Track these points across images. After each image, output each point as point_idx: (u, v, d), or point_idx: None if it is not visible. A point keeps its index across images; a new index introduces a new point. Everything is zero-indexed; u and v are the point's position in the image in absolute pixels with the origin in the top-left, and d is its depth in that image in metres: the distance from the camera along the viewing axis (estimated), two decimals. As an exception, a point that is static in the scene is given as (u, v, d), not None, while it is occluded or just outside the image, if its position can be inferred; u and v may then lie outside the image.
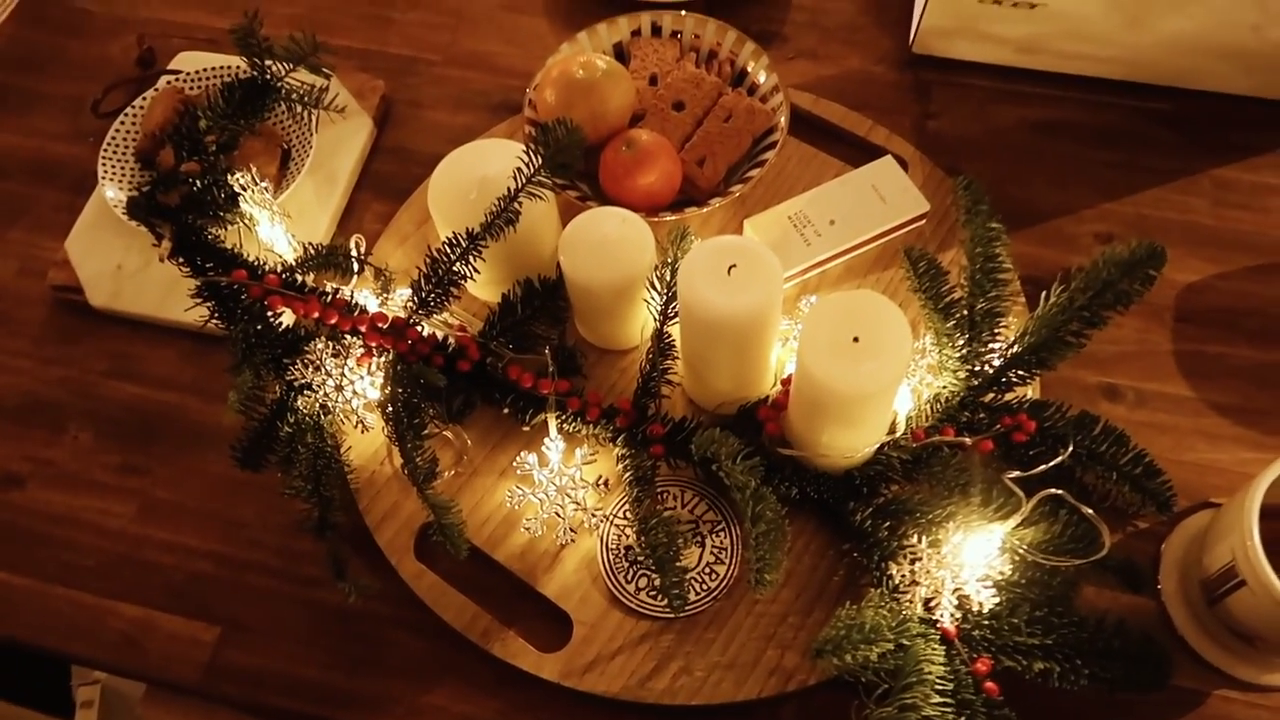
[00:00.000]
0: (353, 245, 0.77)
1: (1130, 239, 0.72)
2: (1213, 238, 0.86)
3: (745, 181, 0.82)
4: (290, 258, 0.76)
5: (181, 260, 0.76)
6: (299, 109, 0.75)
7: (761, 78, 0.87)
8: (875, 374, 0.63)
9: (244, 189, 0.76)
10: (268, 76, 0.75)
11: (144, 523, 0.80)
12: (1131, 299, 0.72)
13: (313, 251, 0.74)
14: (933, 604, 0.65)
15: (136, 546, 0.79)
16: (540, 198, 0.72)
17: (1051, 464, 0.69)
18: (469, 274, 0.73)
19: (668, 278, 0.74)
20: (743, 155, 0.85)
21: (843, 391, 0.64)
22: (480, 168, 0.74)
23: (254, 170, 0.76)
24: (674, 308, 0.74)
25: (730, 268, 0.66)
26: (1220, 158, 0.90)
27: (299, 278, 0.74)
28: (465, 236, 0.72)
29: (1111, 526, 0.68)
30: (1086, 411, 0.74)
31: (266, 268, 0.74)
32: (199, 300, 0.74)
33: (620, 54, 0.90)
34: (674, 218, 0.80)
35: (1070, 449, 0.70)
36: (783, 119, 0.84)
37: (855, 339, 0.64)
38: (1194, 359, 0.81)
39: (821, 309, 0.65)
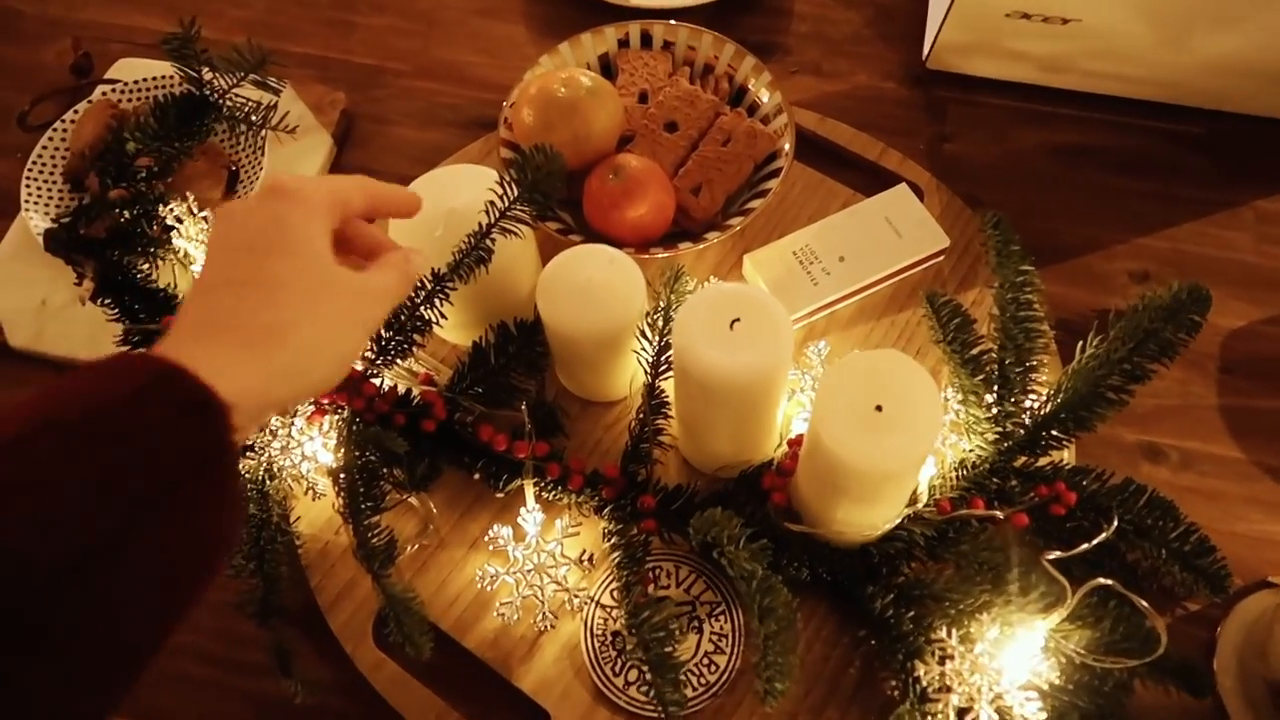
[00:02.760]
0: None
1: (1169, 279, 0.65)
2: (1258, 277, 0.79)
3: (745, 214, 0.73)
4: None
5: (107, 302, 0.66)
6: (244, 129, 0.66)
7: (764, 96, 0.78)
8: (901, 450, 0.54)
9: (180, 221, 0.66)
10: (207, 92, 0.66)
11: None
12: (1176, 349, 0.65)
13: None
14: (968, 716, 0.56)
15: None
16: (516, 234, 0.63)
17: (1095, 542, 0.61)
18: (435, 319, 0.64)
19: (660, 325, 0.65)
20: (742, 183, 0.76)
21: (863, 469, 0.55)
22: (448, 198, 0.65)
23: (192, 199, 0.67)
24: (667, 359, 0.65)
25: (733, 322, 0.58)
26: (1263, 188, 0.82)
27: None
28: (431, 278, 0.63)
29: (1159, 609, 0.61)
30: (1130, 479, 0.65)
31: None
32: (126, 348, 0.65)
33: (607, 68, 0.81)
34: (666, 254, 0.71)
35: (1115, 524, 0.62)
36: (787, 144, 0.75)
37: (878, 408, 0.55)
38: (1242, 415, 0.73)
39: (839, 374, 0.56)
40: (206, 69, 0.64)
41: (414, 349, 0.65)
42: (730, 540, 0.56)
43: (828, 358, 0.70)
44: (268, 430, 0.63)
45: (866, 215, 0.76)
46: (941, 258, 0.77)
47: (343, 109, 0.86)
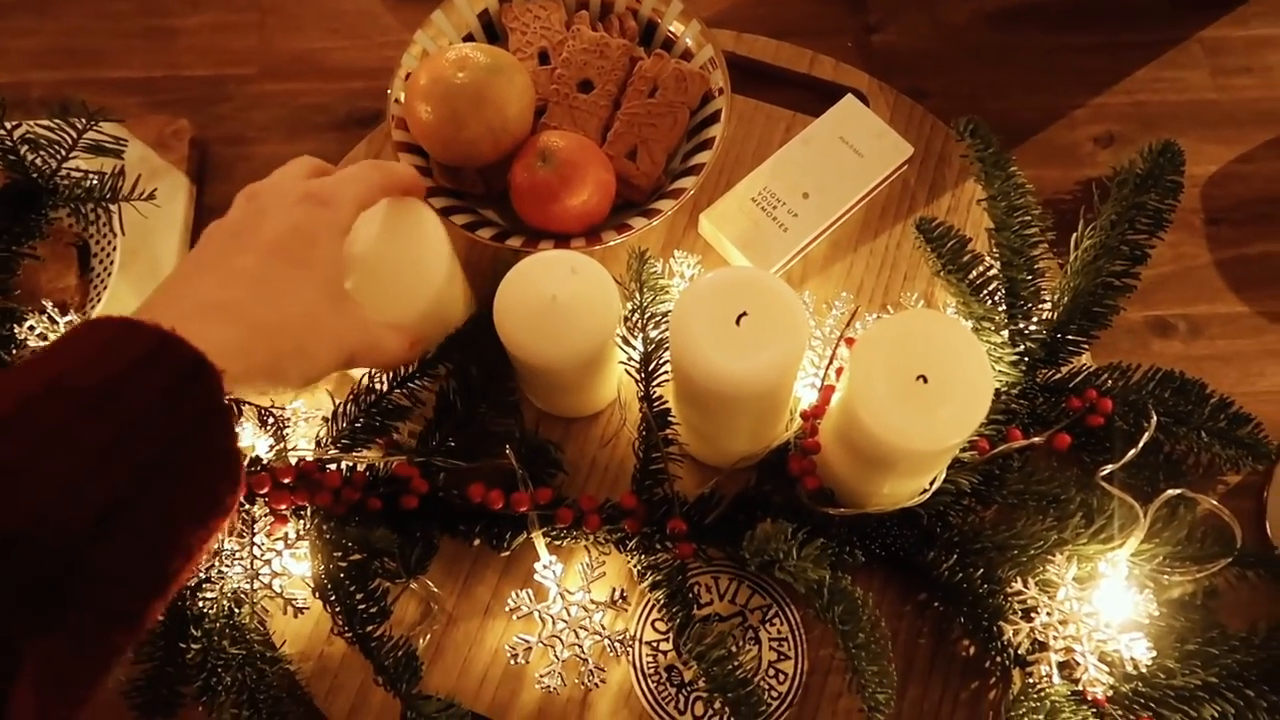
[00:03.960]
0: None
1: (1135, 139, 0.62)
2: (1221, 115, 0.75)
3: (695, 171, 0.64)
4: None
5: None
6: (89, 211, 0.53)
7: (678, 28, 0.69)
8: (956, 421, 0.48)
9: (44, 338, 0.54)
10: (35, 177, 0.53)
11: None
12: (1165, 216, 0.61)
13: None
14: (1073, 670, 0.53)
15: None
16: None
17: (1141, 444, 0.58)
18: (412, 404, 0.55)
19: (643, 324, 0.57)
20: (680, 135, 0.67)
21: (918, 448, 0.49)
22: (350, 241, 0.53)
23: (49, 306, 0.55)
24: (659, 361, 0.57)
25: (740, 317, 0.50)
26: (1205, 16, 0.78)
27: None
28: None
29: (1203, 492, 0.58)
30: (1155, 367, 0.62)
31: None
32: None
33: (491, 31, 0.70)
34: (620, 238, 0.62)
35: (1155, 420, 0.59)
36: (721, 81, 0.66)
37: (921, 378, 0.49)
38: (1237, 266, 0.70)
39: (869, 347, 0.50)
40: (25, 148, 0.51)
41: (391, 432, 0.56)
42: (788, 554, 0.51)
43: (815, 307, 0.63)
44: (221, 557, 0.54)
45: (820, 140, 0.68)
46: (905, 167, 0.70)
47: (190, 138, 0.73)
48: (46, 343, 0.53)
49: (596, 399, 0.63)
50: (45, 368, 0.35)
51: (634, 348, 0.57)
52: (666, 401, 0.58)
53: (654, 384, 0.57)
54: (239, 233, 0.46)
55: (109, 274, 0.65)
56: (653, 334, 0.57)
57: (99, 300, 0.64)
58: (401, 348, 0.52)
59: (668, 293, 0.59)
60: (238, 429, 0.39)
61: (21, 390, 0.34)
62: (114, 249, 0.65)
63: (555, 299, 0.54)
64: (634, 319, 0.57)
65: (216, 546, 0.54)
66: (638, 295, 0.57)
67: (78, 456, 0.33)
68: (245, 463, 0.54)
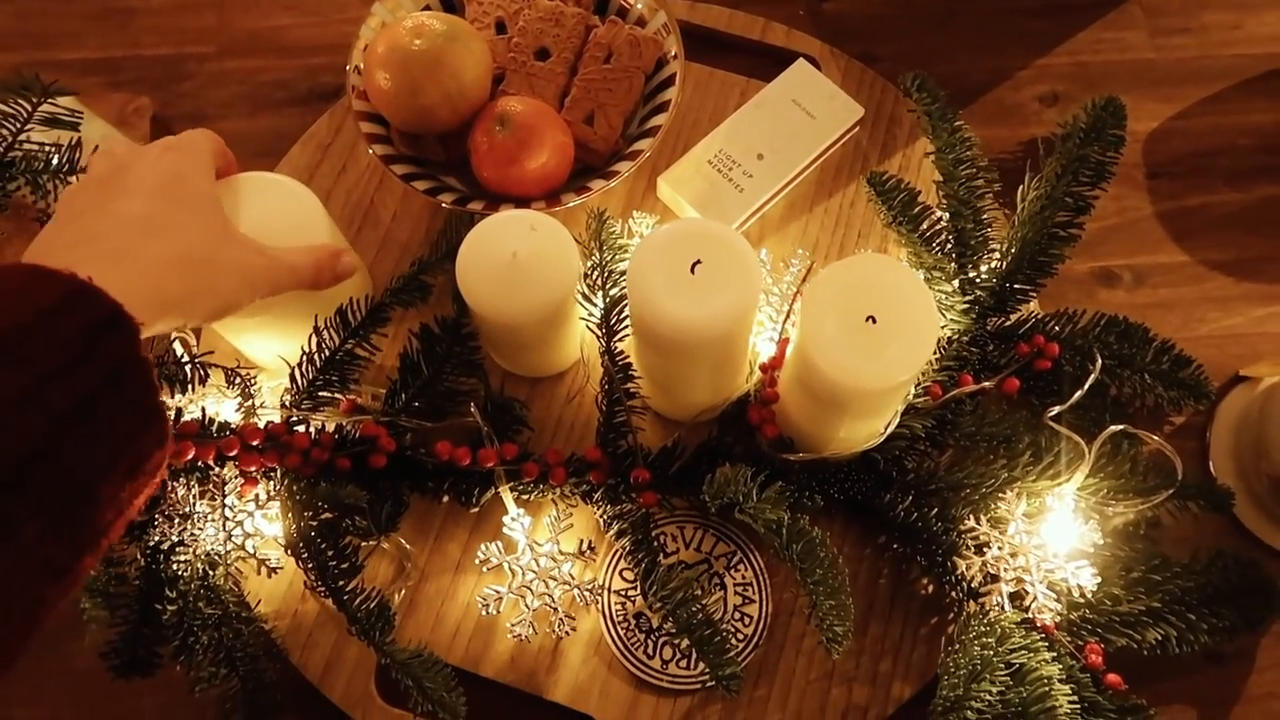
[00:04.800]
0: (177, 346, 0.57)
1: (1079, 97, 0.63)
2: (1160, 74, 0.77)
3: (651, 133, 0.66)
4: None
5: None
6: (46, 181, 0.54)
7: (631, -4, 0.70)
8: (905, 358, 0.50)
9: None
10: (-11, 148, 0.54)
11: (11, 754, 0.61)
12: (1109, 169, 0.63)
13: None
14: (1023, 600, 0.55)
15: (11, 788, 0.60)
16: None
17: (1087, 385, 0.60)
18: (368, 353, 0.56)
19: (603, 283, 0.59)
20: (636, 100, 0.69)
21: (868, 387, 0.51)
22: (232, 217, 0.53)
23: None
24: (619, 317, 0.59)
25: (694, 265, 0.52)
26: (1142, -23, 0.80)
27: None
28: (360, 306, 0.55)
29: (1151, 431, 0.60)
30: (1100, 313, 0.64)
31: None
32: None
33: (449, 3, 0.71)
34: (579, 199, 0.64)
35: (1100, 363, 0.61)
36: (674, 46, 0.68)
37: (870, 319, 0.51)
38: (1178, 217, 0.73)
39: (819, 291, 0.52)
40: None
41: (349, 386, 0.57)
42: (746, 496, 0.52)
43: (773, 265, 0.65)
44: (194, 519, 0.55)
45: (773, 102, 0.70)
46: (857, 128, 0.72)
47: (152, 115, 0.73)
48: None
49: (560, 357, 0.64)
50: None
51: (595, 305, 0.59)
52: (628, 356, 0.59)
53: (615, 339, 0.59)
54: (107, 181, 0.46)
55: (73, 249, 0.65)
56: (612, 291, 0.59)
57: (64, 275, 0.64)
58: (316, 264, 0.52)
59: (626, 252, 0.60)
60: (158, 382, 0.38)
61: None
62: (78, 224, 0.66)
63: (515, 256, 0.55)
64: (594, 277, 0.59)
65: (188, 510, 0.55)
66: (597, 254, 0.59)
67: None
68: (171, 417, 0.54)
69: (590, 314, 0.59)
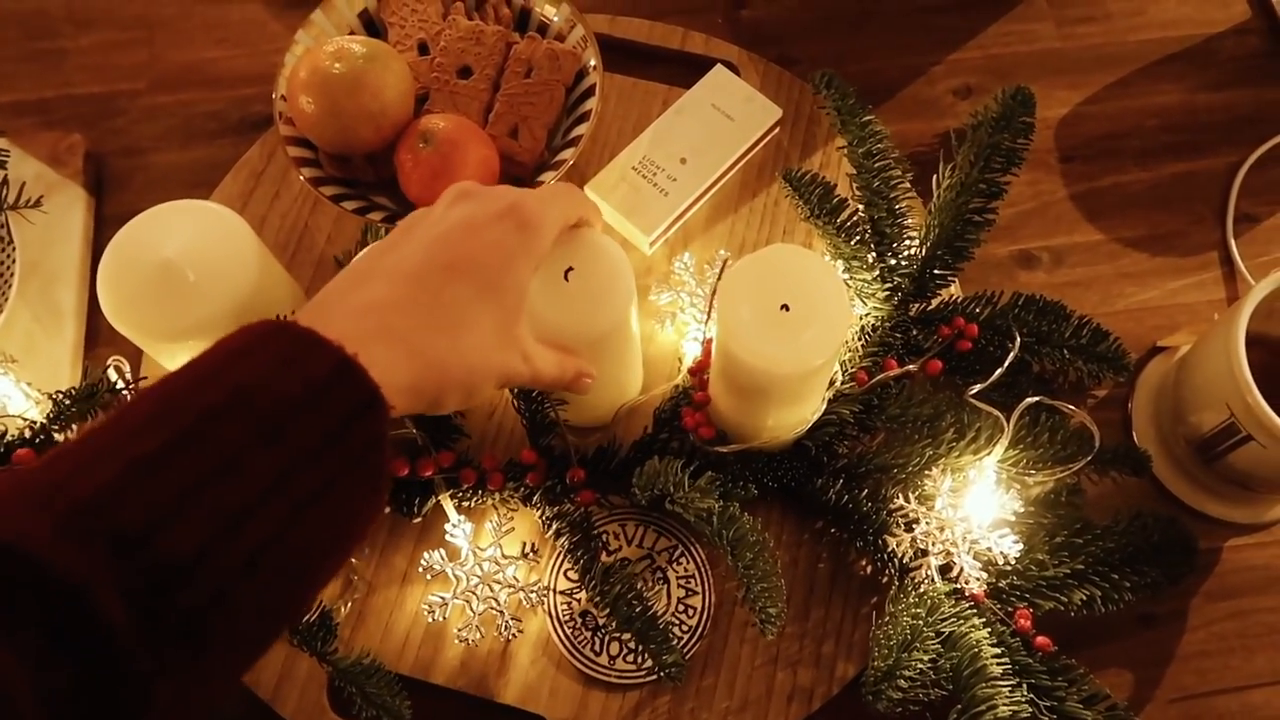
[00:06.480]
0: (113, 373, 0.58)
1: (991, 89, 0.65)
2: (1068, 62, 0.80)
3: (574, 143, 0.67)
4: (38, 416, 0.57)
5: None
6: (-24, 218, 0.55)
7: (550, 12, 0.72)
8: (820, 342, 0.52)
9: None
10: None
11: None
12: (1020, 155, 0.65)
13: (64, 400, 0.55)
14: (951, 571, 0.56)
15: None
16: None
17: (1007, 363, 0.62)
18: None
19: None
20: (559, 111, 0.71)
21: (786, 372, 0.53)
22: (159, 245, 0.56)
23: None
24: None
25: (567, 272, 0.53)
26: (1046, -28, 0.83)
27: (60, 437, 0.55)
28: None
29: (1074, 404, 0.62)
30: (1017, 293, 0.66)
31: (9, 439, 0.55)
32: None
33: (371, 27, 0.73)
34: (506, 210, 0.65)
35: (1019, 341, 0.63)
36: (593, 58, 0.69)
37: (784, 307, 0.52)
38: (1091, 198, 0.75)
39: (732, 282, 0.53)
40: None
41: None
42: (677, 486, 0.54)
43: (696, 269, 0.67)
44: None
45: (693, 108, 0.72)
46: (777, 130, 0.74)
47: (85, 151, 0.74)
48: None
49: None
50: (223, 375, 0.34)
51: None
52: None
53: None
54: (433, 241, 0.43)
55: (10, 286, 0.66)
56: None
57: (0, 313, 0.65)
58: (561, 378, 0.50)
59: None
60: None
61: (202, 401, 0.33)
62: (13, 262, 0.67)
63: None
64: None
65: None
66: None
67: (246, 486, 0.32)
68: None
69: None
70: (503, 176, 0.68)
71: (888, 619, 0.54)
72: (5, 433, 0.55)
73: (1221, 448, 0.60)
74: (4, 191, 0.57)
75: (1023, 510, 0.57)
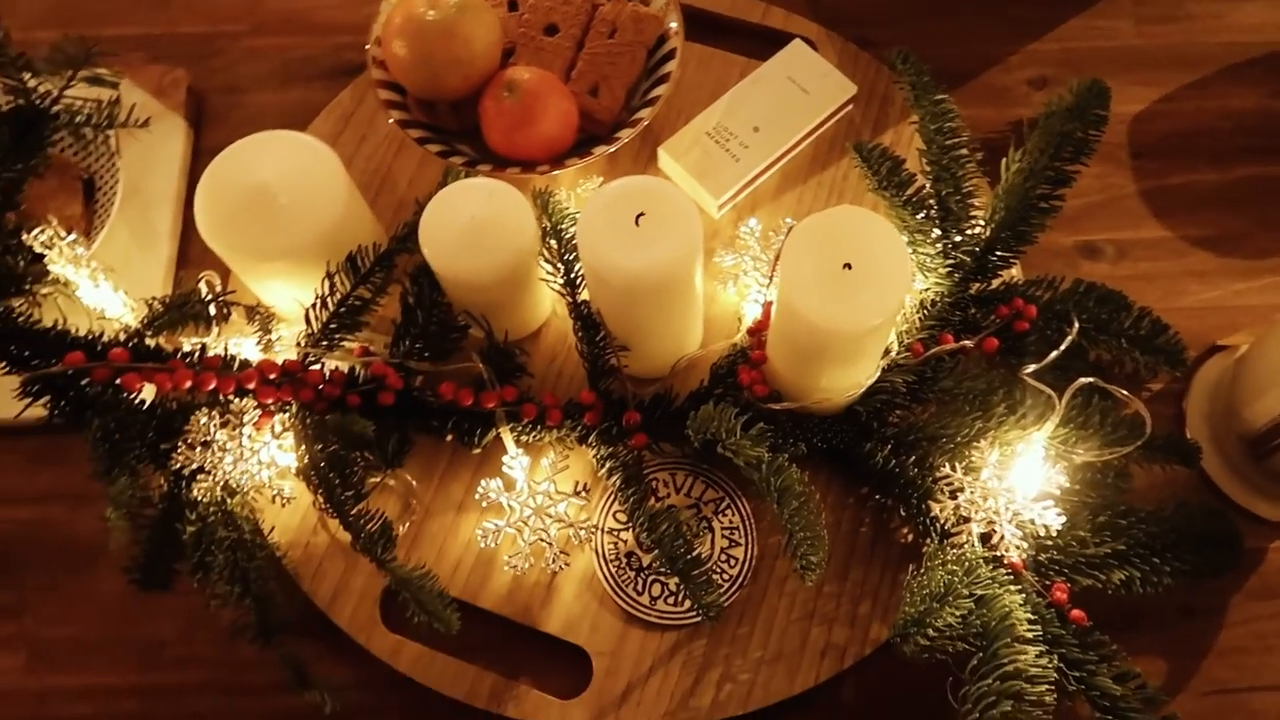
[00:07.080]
0: (203, 287, 0.62)
1: (1066, 80, 0.65)
2: (1145, 59, 0.80)
3: (652, 104, 0.70)
4: (131, 320, 0.60)
5: (-8, 354, 0.59)
6: (89, 134, 0.59)
7: (637, -22, 0.74)
8: (879, 302, 0.54)
9: (49, 246, 0.59)
10: (36, 101, 0.58)
11: (40, 672, 0.65)
12: (1090, 145, 0.66)
13: (158, 307, 0.59)
14: (992, 539, 0.58)
15: (39, 704, 0.64)
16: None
17: (1064, 346, 0.63)
18: (371, 294, 0.60)
19: (555, 246, 0.62)
20: (639, 73, 0.73)
21: (844, 330, 0.54)
22: (254, 171, 0.60)
23: (54, 221, 0.60)
24: (578, 273, 0.62)
25: (638, 217, 0.55)
26: (1132, -30, 0.83)
27: (151, 342, 0.59)
28: (369, 253, 0.59)
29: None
30: (1079, 280, 0.67)
31: (106, 340, 0.58)
32: (29, 400, 0.58)
33: (465, -18, 0.75)
34: (581, 162, 0.68)
35: (1076, 326, 0.64)
36: (675, 22, 0.71)
37: (846, 265, 0.54)
38: (1160, 195, 0.76)
39: (797, 240, 0.55)
40: (28, 75, 0.56)
41: (359, 329, 0.61)
42: (729, 432, 0.55)
43: (763, 234, 0.68)
44: (215, 447, 0.58)
45: (770, 79, 0.74)
46: (850, 107, 0.75)
47: (187, 87, 0.78)
48: (50, 250, 0.58)
49: (529, 318, 0.68)
50: None
51: (556, 266, 0.62)
52: (594, 309, 0.62)
53: (579, 293, 0.62)
54: None
55: (112, 205, 0.70)
56: (569, 257, 0.62)
57: (103, 228, 0.69)
58: None
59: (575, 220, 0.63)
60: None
61: None
62: (116, 183, 0.71)
63: (473, 218, 0.59)
64: (550, 239, 0.62)
65: (209, 438, 0.59)
66: (545, 221, 0.62)
67: None
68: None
69: (552, 275, 0.62)
70: (581, 132, 0.71)
71: (924, 571, 0.55)
72: (103, 334, 0.59)
73: (1275, 442, 0.60)
74: (115, 110, 0.60)
75: (1068, 486, 0.57)
